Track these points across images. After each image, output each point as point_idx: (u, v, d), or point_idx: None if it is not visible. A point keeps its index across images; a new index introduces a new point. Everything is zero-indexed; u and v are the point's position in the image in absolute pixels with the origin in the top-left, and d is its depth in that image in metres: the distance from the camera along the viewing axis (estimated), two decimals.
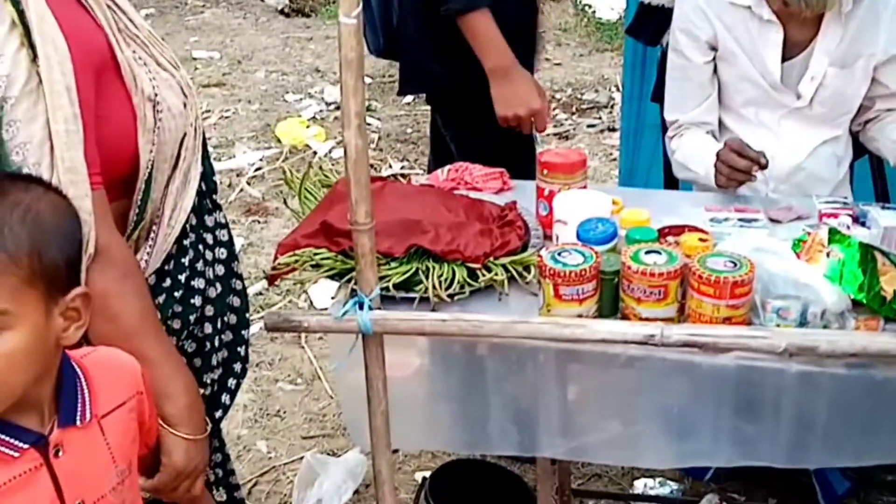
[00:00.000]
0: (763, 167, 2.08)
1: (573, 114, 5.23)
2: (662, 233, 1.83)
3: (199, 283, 1.43)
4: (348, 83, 1.47)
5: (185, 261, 1.41)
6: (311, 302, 3.34)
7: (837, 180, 2.38)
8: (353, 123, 1.49)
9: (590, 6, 6.76)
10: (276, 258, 1.76)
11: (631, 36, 2.87)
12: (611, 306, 1.68)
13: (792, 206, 2.07)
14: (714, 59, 2.30)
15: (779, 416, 1.64)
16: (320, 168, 1.95)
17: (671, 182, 2.67)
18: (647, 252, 1.65)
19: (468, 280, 1.74)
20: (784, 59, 2.24)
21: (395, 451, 2.17)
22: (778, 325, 1.58)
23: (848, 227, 1.90)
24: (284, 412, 2.96)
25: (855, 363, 1.56)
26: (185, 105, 1.34)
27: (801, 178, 2.33)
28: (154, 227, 1.34)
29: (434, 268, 1.74)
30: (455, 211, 1.91)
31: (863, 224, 1.94)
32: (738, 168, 2.08)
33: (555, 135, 4.95)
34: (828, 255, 1.59)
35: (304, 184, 1.95)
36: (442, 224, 1.82)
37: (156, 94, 1.29)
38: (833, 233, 1.61)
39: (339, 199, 1.79)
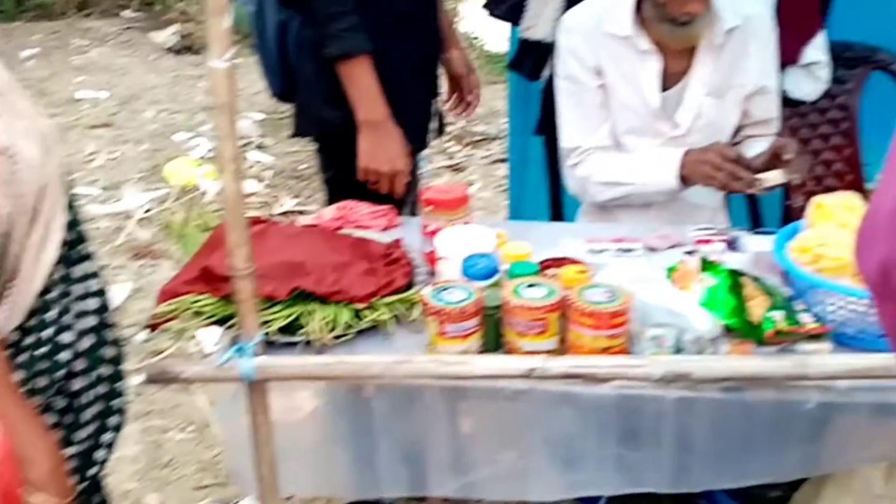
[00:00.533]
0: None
1: (465, 146, 5.29)
2: (544, 265, 1.86)
3: (67, 337, 1.39)
4: (222, 127, 1.46)
5: (50, 316, 1.36)
6: (203, 346, 3.27)
7: (714, 207, 2.46)
8: (229, 168, 1.48)
9: (478, 39, 6.86)
10: (157, 306, 1.73)
11: (513, 70, 2.92)
12: (495, 341, 1.70)
13: (669, 233, 2.13)
14: (602, 86, 2.36)
15: (660, 443, 1.68)
16: (201, 212, 1.91)
17: (557, 213, 2.73)
18: (528, 286, 1.67)
19: (353, 321, 1.73)
20: (663, 89, 2.32)
21: (289, 497, 2.14)
22: (655, 353, 1.62)
23: (720, 254, 1.96)
24: (176, 462, 2.88)
25: (729, 387, 1.61)
26: (45, 154, 1.30)
27: (679, 206, 2.40)
28: (13, 284, 1.30)
29: (318, 310, 1.73)
30: (340, 251, 1.91)
31: (735, 249, 2.01)
32: (723, 168, 2.13)
33: (447, 167, 5.00)
34: (700, 282, 1.64)
35: (184, 228, 1.92)
36: (326, 265, 1.81)
37: (10, 145, 1.25)
38: (704, 261, 1.67)
39: (221, 244, 1.76)
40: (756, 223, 2.59)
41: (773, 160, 2.14)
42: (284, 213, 4.36)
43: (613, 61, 2.30)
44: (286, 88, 2.51)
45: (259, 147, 5.13)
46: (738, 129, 2.42)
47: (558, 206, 2.72)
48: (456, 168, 5.03)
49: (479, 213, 4.42)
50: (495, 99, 5.87)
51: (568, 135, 2.37)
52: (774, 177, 2.12)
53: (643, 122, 2.33)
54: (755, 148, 2.32)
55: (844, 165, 2.84)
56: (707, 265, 1.68)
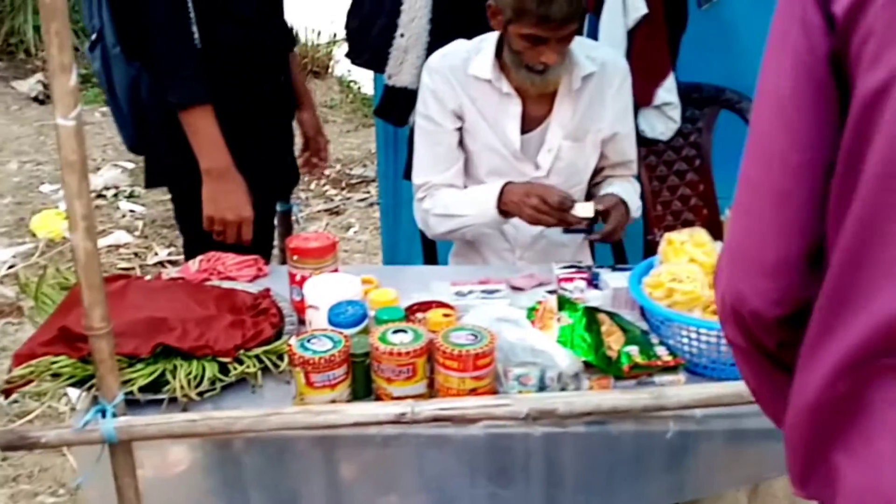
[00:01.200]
0: (568, 207, 2.22)
1: (343, 189, 5.30)
2: (411, 310, 1.88)
3: None
4: (71, 186, 1.43)
5: None
6: (73, 405, 3.16)
7: (577, 245, 2.54)
8: (80, 226, 1.45)
9: (355, 82, 6.92)
10: (11, 369, 1.67)
11: (379, 117, 2.96)
12: (364, 388, 1.70)
13: (534, 273, 2.19)
14: (461, 128, 2.42)
15: (530, 478, 1.71)
16: (57, 269, 1.87)
17: (431, 256, 2.77)
18: (395, 332, 1.69)
19: (219, 375, 1.71)
20: (524, 132, 2.39)
21: None
22: (520, 392, 1.65)
23: (582, 291, 2.03)
24: None
25: (592, 421, 1.66)
26: None
27: (544, 245, 2.48)
28: None
29: (182, 366, 1.71)
30: (205, 304, 1.89)
31: (596, 286, 2.08)
32: (550, 203, 2.20)
33: (325, 210, 5.00)
34: (559, 321, 1.70)
35: (40, 287, 1.87)
36: (190, 319, 1.79)
37: None
38: (562, 300, 1.72)
39: (78, 303, 1.72)
40: (619, 258, 2.69)
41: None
42: (158, 264, 4.27)
43: (477, 103, 2.36)
44: (139, 140, 2.49)
45: (130, 196, 5.02)
46: (598, 171, 2.51)
47: (432, 249, 2.75)
48: (334, 211, 5.04)
49: (358, 255, 4.46)
50: (371, 142, 5.93)
51: (419, 171, 2.44)
52: (584, 208, 2.22)
53: (505, 163, 2.40)
54: (614, 188, 2.42)
55: (699, 200, 2.98)
56: (564, 304, 1.73)
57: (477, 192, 2.37)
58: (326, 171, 5.47)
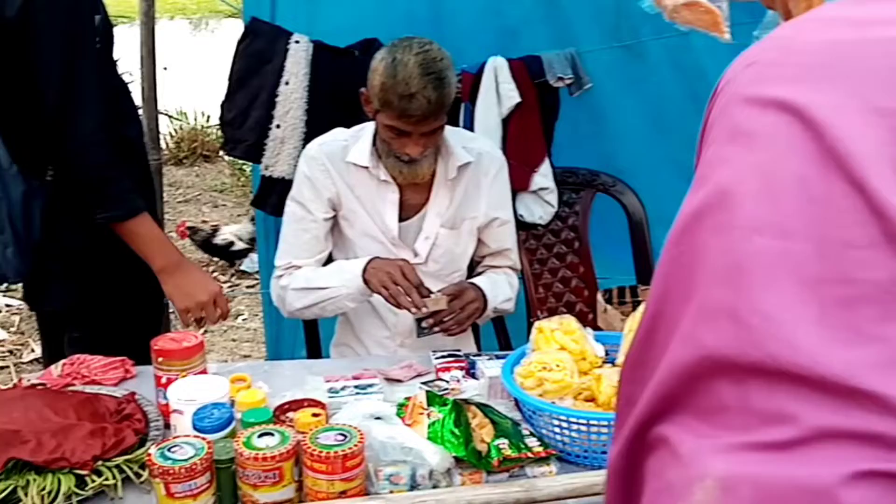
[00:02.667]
0: (424, 296, 2.21)
1: (232, 275, 5.22)
2: (282, 409, 1.84)
3: None
4: None
5: None
6: None
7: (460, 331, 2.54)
8: None
9: (246, 166, 6.87)
10: None
11: (256, 207, 2.94)
12: (230, 495, 1.64)
13: (412, 363, 2.17)
14: (335, 217, 2.41)
15: None
16: None
17: (314, 346, 2.72)
18: (261, 435, 1.64)
19: (76, 489, 1.63)
20: (402, 219, 2.40)
21: None
22: (391, 492, 1.62)
23: (458, 381, 2.02)
24: None
25: None
26: None
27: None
28: None
29: (36, 480, 1.62)
30: (64, 412, 1.80)
31: (473, 375, 2.07)
32: (409, 278, 2.19)
33: None
34: (428, 416, 1.68)
35: None
36: (45, 430, 1.70)
37: None
38: (430, 395, 1.70)
39: None
40: (504, 344, 2.69)
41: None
42: (34, 361, 4.10)
43: (355, 190, 2.37)
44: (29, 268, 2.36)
45: (5, 291, 4.83)
46: (478, 262, 2.53)
47: (315, 339, 2.72)
48: None
49: (247, 344, 4.37)
50: None
51: (283, 253, 2.43)
52: (436, 302, 2.23)
53: (384, 250, 2.40)
54: (485, 282, 2.44)
55: (580, 281, 3.03)
56: (433, 399, 1.72)
57: (343, 263, 2.36)
58: (214, 258, 5.39)
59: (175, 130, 7.40)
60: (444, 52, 2.22)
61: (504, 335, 2.76)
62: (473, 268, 2.58)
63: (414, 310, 2.21)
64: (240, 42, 2.79)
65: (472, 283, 2.37)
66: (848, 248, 0.95)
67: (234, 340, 4.39)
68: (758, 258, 0.97)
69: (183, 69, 7.95)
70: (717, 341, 0.97)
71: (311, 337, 2.72)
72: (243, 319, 4.65)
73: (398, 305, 2.22)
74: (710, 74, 2.69)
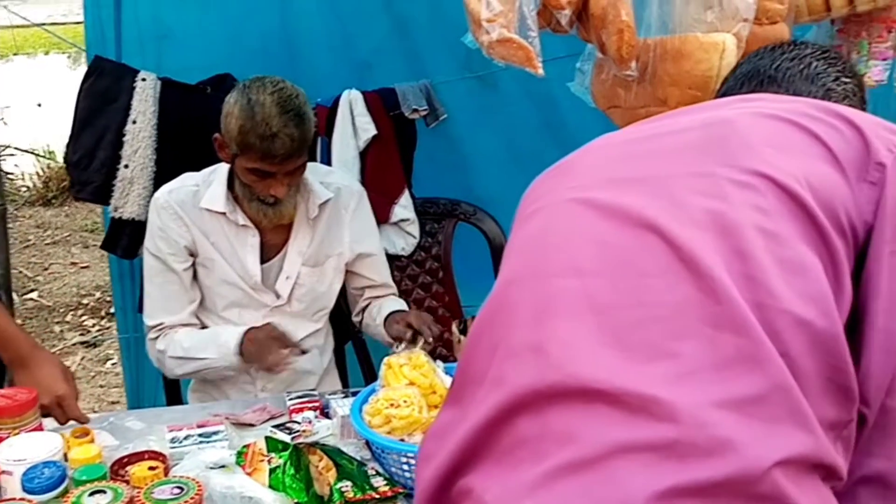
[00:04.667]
0: (302, 352, 2.18)
1: (102, 318, 5.04)
2: (121, 463, 1.76)
3: None
4: None
5: None
6: None
7: (323, 369, 2.50)
8: None
9: None
10: None
11: (107, 250, 2.84)
12: None
13: (266, 405, 2.12)
14: (194, 264, 2.34)
15: None
16: None
17: (173, 393, 2.64)
18: (92, 493, 1.57)
19: None
20: (263, 261, 2.34)
21: None
22: None
23: (311, 422, 1.98)
24: None
25: None
26: None
27: (287, 375, 2.41)
28: None
29: None
30: None
31: (327, 415, 2.04)
32: (266, 355, 2.14)
33: (81, 343, 4.72)
34: (269, 462, 1.63)
35: None
36: None
37: None
38: (269, 441, 1.66)
39: None
40: (370, 378, 2.66)
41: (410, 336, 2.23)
42: None
43: (211, 237, 2.31)
44: None
45: None
46: (361, 292, 2.50)
47: (174, 385, 2.63)
48: (90, 344, 4.76)
49: (115, 390, 4.21)
50: None
51: (151, 311, 2.36)
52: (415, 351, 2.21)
53: (245, 296, 2.34)
54: (391, 306, 2.42)
55: (446, 311, 3.03)
56: (272, 444, 1.68)
57: (217, 334, 2.29)
58: (85, 300, 5.20)
59: (43, 169, 7.14)
60: (297, 88, 2.19)
61: (370, 370, 2.73)
62: (347, 304, 2.56)
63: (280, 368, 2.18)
64: (83, 81, 2.71)
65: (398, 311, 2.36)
66: (642, 277, 1.00)
67: (102, 387, 4.23)
68: (557, 297, 1.03)
69: (58, 105, 7.69)
70: (520, 375, 1.00)
71: (169, 383, 2.64)
72: (112, 364, 4.49)
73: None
74: (560, 103, 2.78)
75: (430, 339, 2.20)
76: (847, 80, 1.31)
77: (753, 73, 1.33)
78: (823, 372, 0.96)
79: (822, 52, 1.34)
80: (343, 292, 2.52)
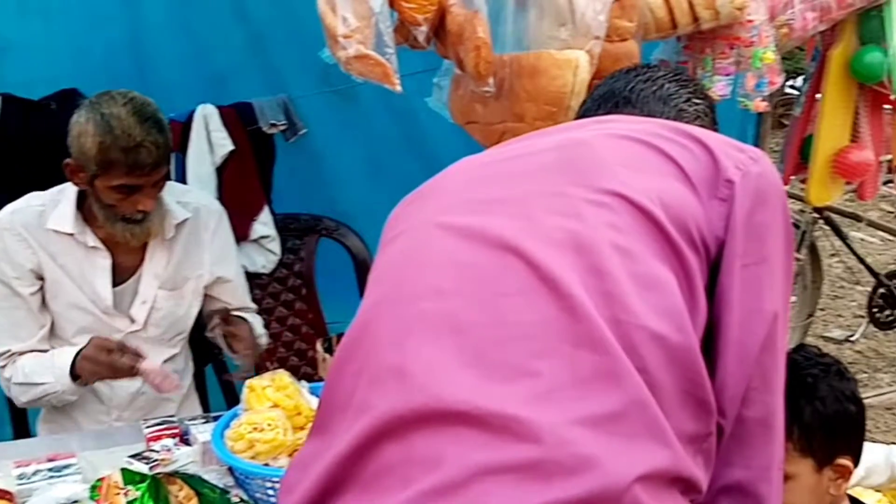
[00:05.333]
0: (140, 357, 2.07)
1: None
2: None
3: None
4: None
5: None
6: None
7: (183, 394, 2.41)
8: None
9: None
10: None
11: None
12: None
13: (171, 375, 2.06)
14: (42, 288, 2.22)
15: None
16: None
17: (20, 424, 2.49)
18: None
19: None
20: (115, 285, 2.24)
21: None
22: None
23: (170, 449, 1.91)
24: None
25: None
26: None
27: (144, 401, 2.32)
28: None
29: None
30: None
31: (187, 442, 1.97)
32: (102, 362, 2.04)
33: None
34: (125, 495, 1.57)
35: None
36: None
37: None
38: (125, 472, 1.60)
39: None
40: (232, 402, 2.59)
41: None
42: None
43: (58, 259, 2.20)
44: None
45: None
46: (226, 315, 2.42)
47: (21, 416, 2.48)
48: None
49: None
50: None
51: None
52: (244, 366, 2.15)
53: (96, 320, 2.24)
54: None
55: (310, 328, 2.99)
56: (128, 476, 1.61)
57: (53, 357, 2.18)
58: None
59: None
60: (147, 98, 2.12)
61: (232, 393, 2.66)
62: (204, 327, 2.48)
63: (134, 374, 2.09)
64: None
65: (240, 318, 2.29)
66: (503, 297, 1.01)
67: None
68: (419, 319, 1.03)
69: None
70: (384, 400, 0.99)
71: (15, 414, 2.49)
72: None
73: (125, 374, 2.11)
74: (421, 117, 2.79)
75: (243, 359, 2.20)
76: (698, 101, 1.37)
77: (609, 95, 1.37)
78: (681, 385, 0.99)
79: (674, 74, 1.40)
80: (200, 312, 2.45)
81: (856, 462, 1.57)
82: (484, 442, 0.93)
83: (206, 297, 2.39)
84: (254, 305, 2.49)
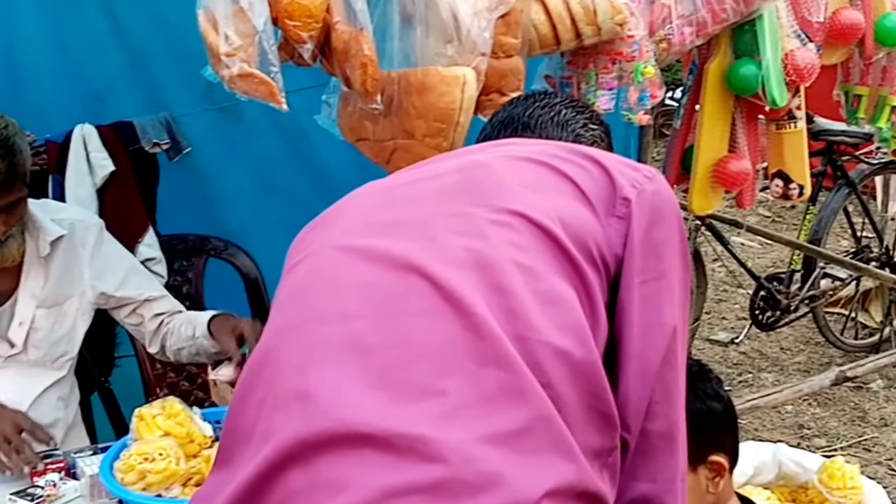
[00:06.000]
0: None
1: None
2: None
3: None
4: None
5: None
6: None
7: (69, 423, 2.32)
8: None
9: None
10: None
11: None
12: None
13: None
14: None
15: None
16: None
17: None
18: None
19: None
20: None
21: None
22: None
23: (55, 484, 1.84)
24: None
25: None
26: None
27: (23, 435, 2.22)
28: None
29: None
30: None
31: (74, 475, 1.90)
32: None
33: None
34: None
35: None
36: None
37: None
38: None
39: None
40: (121, 431, 2.50)
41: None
42: None
43: None
44: None
45: None
46: (141, 319, 2.33)
47: None
48: None
49: None
50: None
51: None
52: (225, 373, 2.07)
53: None
54: (200, 315, 2.28)
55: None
56: None
57: None
58: None
59: None
60: (8, 119, 2.05)
61: (120, 422, 2.58)
62: (91, 352, 2.39)
63: (18, 471, 1.95)
64: None
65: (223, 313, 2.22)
66: (408, 317, 1.01)
67: None
68: (323, 343, 1.02)
69: None
70: (288, 426, 0.98)
71: None
72: None
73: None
74: (310, 133, 2.76)
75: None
76: (594, 126, 1.42)
77: (508, 121, 1.41)
78: (585, 400, 1.01)
79: (570, 101, 1.46)
80: (89, 339, 2.36)
81: (732, 459, 1.63)
82: (389, 464, 0.92)
83: (118, 308, 2.31)
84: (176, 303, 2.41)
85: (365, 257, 1.07)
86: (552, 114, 1.39)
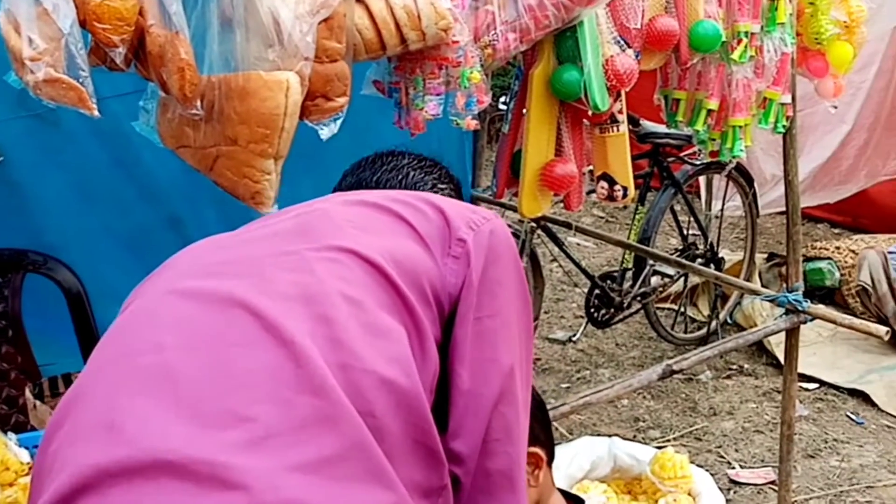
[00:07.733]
0: None
1: None
2: None
3: None
4: None
5: None
6: None
7: None
8: None
9: None
10: None
11: None
12: None
13: None
14: None
15: None
16: None
17: None
18: None
19: None
20: None
21: None
22: None
23: None
24: None
25: None
26: None
27: None
28: None
29: None
30: None
31: None
32: None
33: None
34: None
35: None
36: None
37: None
38: None
39: None
40: None
41: None
42: None
43: None
44: None
45: None
46: None
47: None
48: None
49: None
50: None
51: None
52: None
53: None
54: None
55: (20, 373, 2.75)
56: None
57: None
58: None
59: None
60: None
61: None
62: None
63: None
64: None
65: None
66: (228, 348, 0.99)
67: None
68: (136, 375, 0.99)
69: None
70: (87, 456, 0.93)
71: None
72: None
73: None
74: (133, 139, 2.63)
75: None
76: (444, 185, 1.45)
77: (357, 185, 1.44)
78: (410, 433, 1.01)
79: (418, 161, 1.49)
80: None
81: (548, 452, 1.67)
82: (188, 492, 0.89)
83: None
84: None
85: (191, 296, 1.06)
86: (400, 177, 1.43)
